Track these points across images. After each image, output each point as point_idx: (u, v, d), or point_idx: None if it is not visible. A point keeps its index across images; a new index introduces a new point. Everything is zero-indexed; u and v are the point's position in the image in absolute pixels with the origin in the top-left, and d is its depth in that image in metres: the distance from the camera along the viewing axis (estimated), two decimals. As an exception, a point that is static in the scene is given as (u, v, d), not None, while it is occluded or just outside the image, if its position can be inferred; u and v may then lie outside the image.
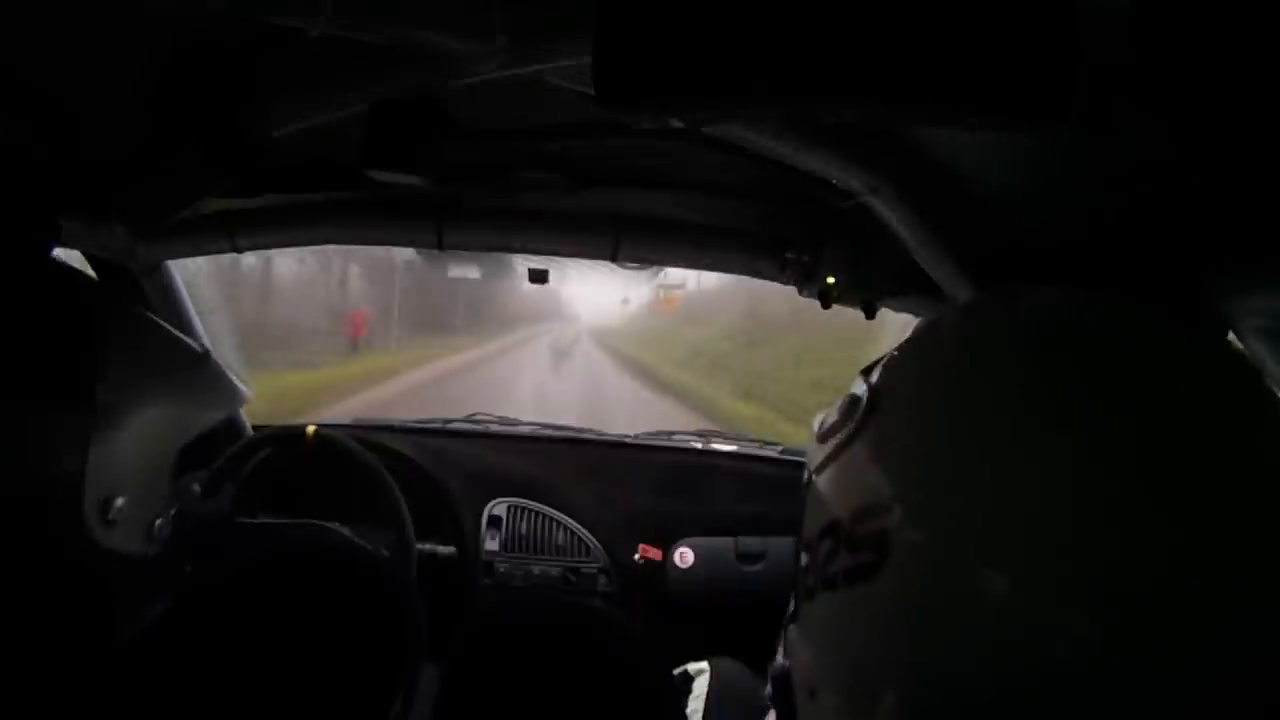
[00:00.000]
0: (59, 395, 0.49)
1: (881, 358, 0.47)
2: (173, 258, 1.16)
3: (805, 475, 0.48)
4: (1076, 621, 0.34)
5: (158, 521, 0.58)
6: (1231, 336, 0.60)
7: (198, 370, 0.65)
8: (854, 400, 0.45)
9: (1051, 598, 0.35)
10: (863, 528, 0.40)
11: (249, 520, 1.17)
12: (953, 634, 0.36)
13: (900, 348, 0.45)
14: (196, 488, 1.12)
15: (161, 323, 0.62)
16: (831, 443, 0.45)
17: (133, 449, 0.54)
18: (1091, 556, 0.34)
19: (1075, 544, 0.35)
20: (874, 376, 0.45)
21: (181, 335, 0.64)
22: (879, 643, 0.39)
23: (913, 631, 0.38)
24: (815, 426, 0.48)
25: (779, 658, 0.50)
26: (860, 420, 0.43)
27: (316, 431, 1.21)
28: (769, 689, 0.51)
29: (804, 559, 0.46)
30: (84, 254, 1.03)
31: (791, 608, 0.48)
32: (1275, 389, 0.40)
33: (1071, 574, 0.34)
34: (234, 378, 0.73)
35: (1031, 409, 0.38)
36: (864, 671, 0.40)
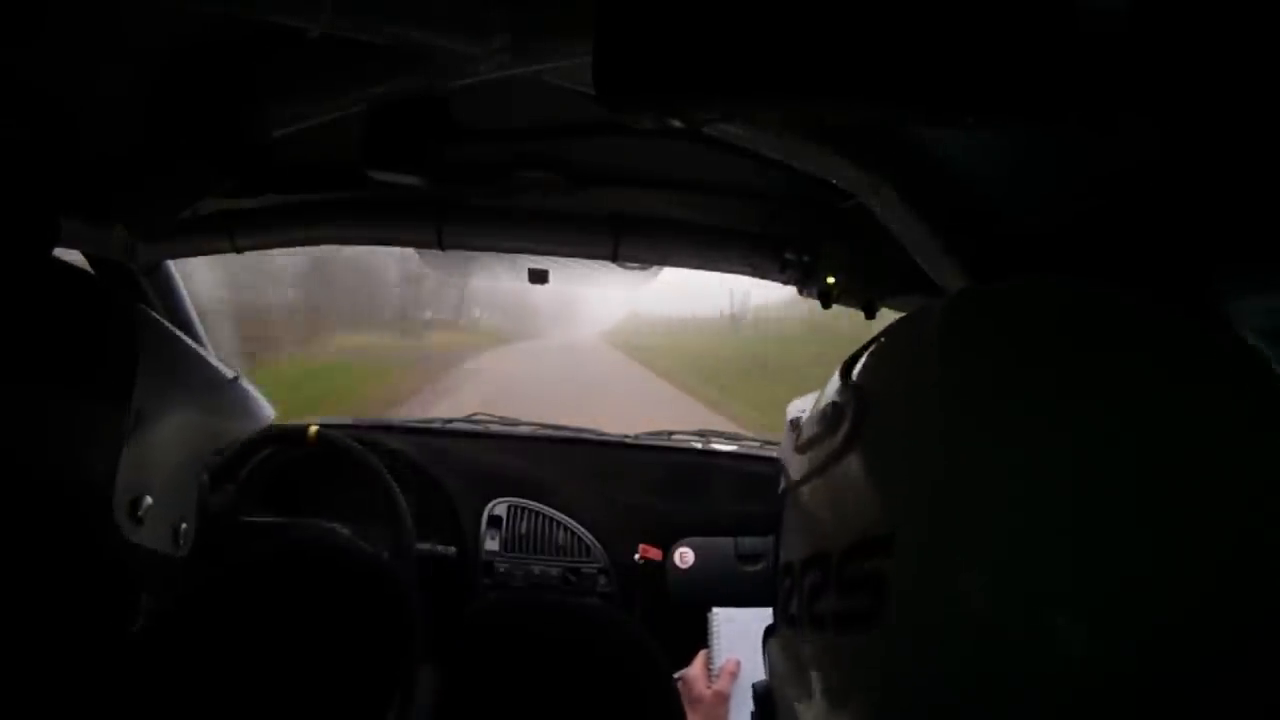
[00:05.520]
0: (98, 396, 0.53)
1: (859, 354, 0.40)
2: (173, 258, 1.17)
3: (781, 482, 0.43)
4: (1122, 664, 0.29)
5: (183, 525, 0.61)
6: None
7: (226, 388, 0.69)
8: (836, 409, 0.38)
9: (1094, 649, 0.30)
10: (855, 568, 0.34)
11: (248, 519, 1.17)
12: (968, 705, 0.31)
13: (883, 346, 0.40)
14: (205, 477, 1.14)
15: (192, 344, 0.65)
16: (814, 455, 0.39)
17: (162, 454, 0.57)
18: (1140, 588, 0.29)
19: (1125, 584, 0.30)
20: (858, 380, 0.39)
21: (211, 359, 0.68)
22: (876, 697, 0.34)
23: (916, 696, 0.32)
24: (790, 428, 0.42)
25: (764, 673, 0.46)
26: (849, 434, 0.37)
27: (318, 431, 1.21)
28: (753, 708, 0.48)
29: (785, 581, 0.41)
30: (84, 254, 1.03)
31: (772, 620, 0.43)
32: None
33: (1120, 615, 0.30)
34: (260, 397, 0.76)
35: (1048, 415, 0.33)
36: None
